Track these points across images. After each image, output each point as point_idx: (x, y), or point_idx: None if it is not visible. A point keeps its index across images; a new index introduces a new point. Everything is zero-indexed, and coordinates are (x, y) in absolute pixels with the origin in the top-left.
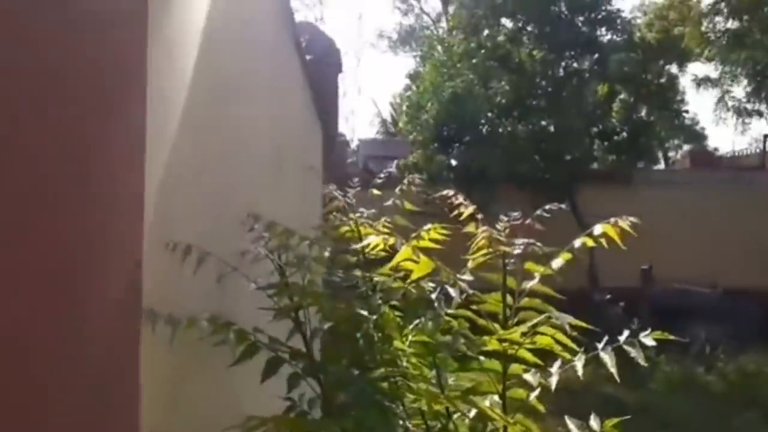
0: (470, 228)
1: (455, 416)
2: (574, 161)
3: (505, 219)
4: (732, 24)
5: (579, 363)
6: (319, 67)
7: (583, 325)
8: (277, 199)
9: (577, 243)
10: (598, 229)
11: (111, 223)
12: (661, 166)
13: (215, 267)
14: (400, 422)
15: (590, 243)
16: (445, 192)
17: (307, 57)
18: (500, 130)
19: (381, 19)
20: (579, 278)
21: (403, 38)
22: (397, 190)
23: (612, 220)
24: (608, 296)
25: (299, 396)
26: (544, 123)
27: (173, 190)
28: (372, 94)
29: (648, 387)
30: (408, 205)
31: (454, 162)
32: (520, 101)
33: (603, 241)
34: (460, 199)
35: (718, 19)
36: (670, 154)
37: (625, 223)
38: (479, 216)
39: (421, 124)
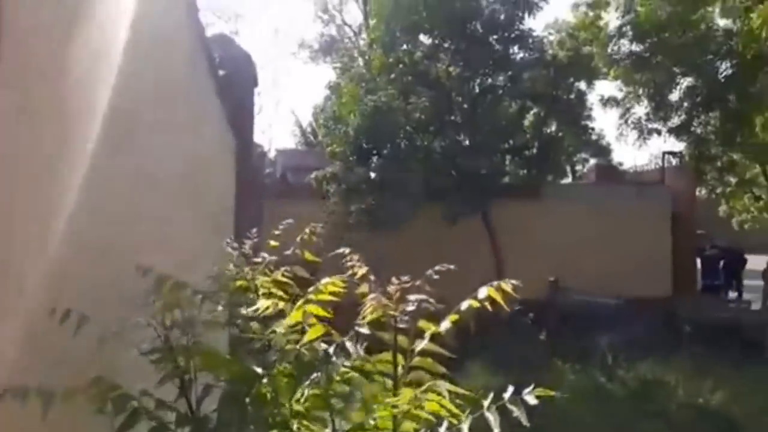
0: (362, 289)
1: None
2: (486, 175)
3: (396, 282)
4: (636, 47)
5: (465, 426)
6: (234, 82)
7: (463, 391)
8: (184, 221)
9: (464, 305)
10: (482, 292)
11: None
12: (569, 179)
13: (97, 330)
14: None
15: (476, 305)
16: (342, 250)
17: (221, 72)
18: (418, 144)
19: (303, 28)
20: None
21: (324, 48)
22: (297, 239)
23: (495, 283)
24: (518, 308)
25: None
26: (459, 138)
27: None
28: (292, 104)
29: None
30: (308, 256)
31: (372, 174)
32: (437, 116)
33: (491, 298)
34: (354, 260)
35: (623, 41)
36: (577, 167)
37: (507, 285)
38: (372, 277)
39: (340, 136)
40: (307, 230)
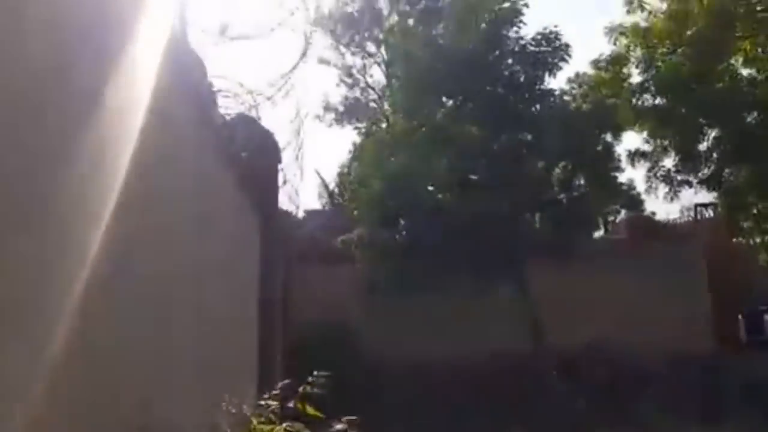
0: None
1: None
2: (516, 235)
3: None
4: (659, 100)
5: None
6: (257, 163)
7: None
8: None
9: None
10: None
11: None
12: (601, 231)
13: None
14: None
15: None
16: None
17: (243, 153)
18: (442, 206)
19: (327, 90)
20: (524, 347)
21: (348, 111)
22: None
23: None
24: (554, 372)
25: None
26: (484, 199)
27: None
28: (317, 165)
29: None
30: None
31: (398, 237)
32: (460, 178)
33: None
34: None
35: (646, 96)
36: (609, 218)
37: None
38: None
39: (365, 199)
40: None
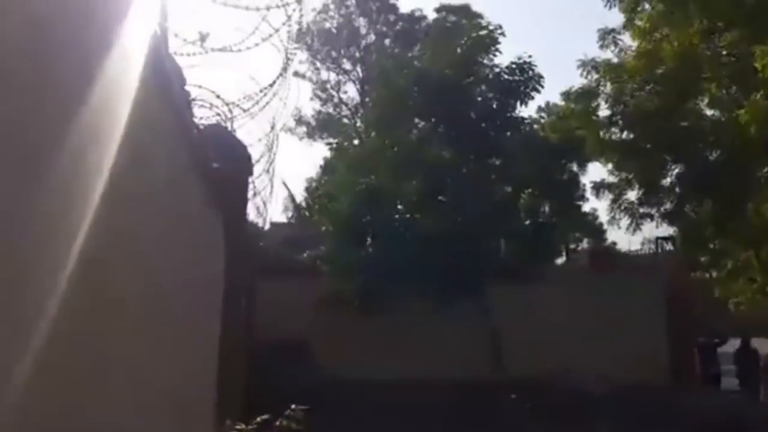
0: None
1: None
2: (480, 258)
3: None
4: (626, 135)
5: None
6: (228, 172)
7: None
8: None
9: None
10: None
11: None
12: (563, 258)
13: None
14: None
15: None
16: None
17: (214, 164)
18: (409, 226)
19: (300, 103)
20: (483, 369)
21: (321, 125)
22: None
23: None
24: (513, 396)
25: None
26: (452, 221)
27: None
28: (285, 177)
29: None
30: None
31: (364, 254)
32: (429, 199)
33: None
34: None
35: (613, 129)
36: (571, 246)
37: None
38: None
39: (334, 215)
40: None
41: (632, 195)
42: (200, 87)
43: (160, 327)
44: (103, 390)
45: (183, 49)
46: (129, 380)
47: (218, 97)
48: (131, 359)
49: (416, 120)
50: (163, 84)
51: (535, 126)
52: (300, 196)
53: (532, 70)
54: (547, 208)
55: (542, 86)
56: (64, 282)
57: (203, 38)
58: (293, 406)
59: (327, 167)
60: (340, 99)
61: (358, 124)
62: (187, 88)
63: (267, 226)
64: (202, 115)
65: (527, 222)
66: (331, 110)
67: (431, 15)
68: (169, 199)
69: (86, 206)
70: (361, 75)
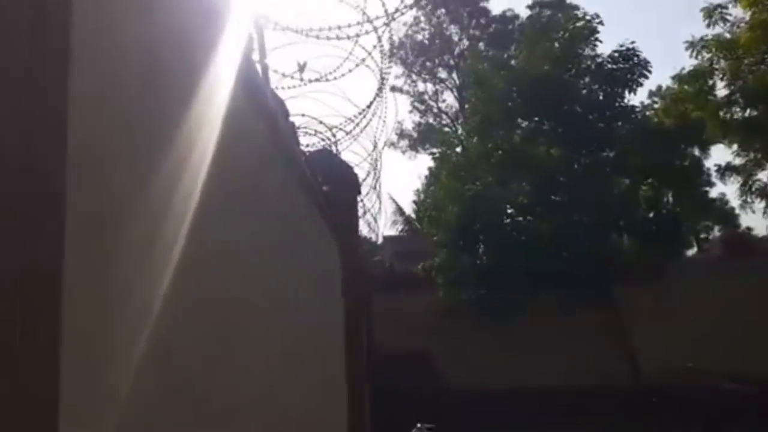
0: None
1: None
2: (603, 256)
3: None
4: (749, 112)
5: None
6: (337, 197)
7: None
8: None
9: None
10: None
11: None
12: (694, 249)
13: None
14: None
15: None
16: None
17: (324, 187)
18: (522, 228)
19: (401, 117)
20: (618, 375)
21: (422, 136)
22: None
23: None
24: (654, 399)
25: None
26: (568, 221)
27: None
28: (391, 191)
29: None
30: None
31: (478, 261)
32: (540, 199)
33: None
34: None
35: (735, 108)
36: (702, 235)
37: None
38: None
39: (443, 225)
40: None
41: (763, 176)
42: (303, 115)
43: (292, 357)
44: (240, 418)
45: (282, 82)
46: (268, 413)
47: (321, 123)
48: (269, 391)
49: (519, 120)
50: (271, 120)
51: (649, 113)
52: (409, 208)
53: (637, 56)
54: (670, 198)
55: (650, 71)
56: (211, 320)
57: (302, 69)
58: (419, 425)
59: (432, 177)
60: (439, 108)
61: (459, 131)
62: (291, 118)
63: (380, 241)
64: (308, 143)
65: (650, 215)
66: (431, 120)
67: (524, 13)
68: (286, 228)
69: (224, 251)
70: (457, 82)
